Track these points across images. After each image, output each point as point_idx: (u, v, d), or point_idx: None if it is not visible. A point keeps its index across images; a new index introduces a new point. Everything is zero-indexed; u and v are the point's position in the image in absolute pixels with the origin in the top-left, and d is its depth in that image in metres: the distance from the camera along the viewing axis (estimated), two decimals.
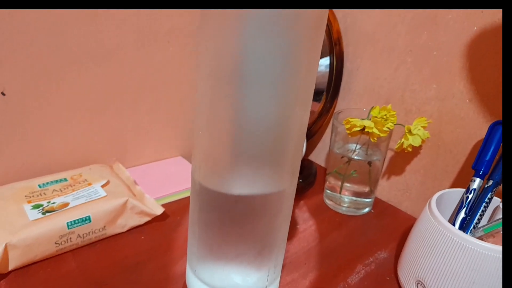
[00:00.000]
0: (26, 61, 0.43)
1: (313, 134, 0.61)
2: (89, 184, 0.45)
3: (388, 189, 0.55)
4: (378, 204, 0.54)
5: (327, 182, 0.54)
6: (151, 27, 0.50)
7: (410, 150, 0.46)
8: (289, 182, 0.31)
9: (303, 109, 0.29)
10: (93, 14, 0.45)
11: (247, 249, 0.31)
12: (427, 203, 0.37)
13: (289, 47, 0.25)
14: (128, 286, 0.36)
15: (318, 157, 0.65)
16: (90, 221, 0.40)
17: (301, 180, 0.57)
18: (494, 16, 0.40)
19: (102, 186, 0.45)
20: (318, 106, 0.59)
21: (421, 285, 0.36)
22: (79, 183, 0.45)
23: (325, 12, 0.27)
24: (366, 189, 0.51)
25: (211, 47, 0.26)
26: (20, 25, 0.41)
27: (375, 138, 0.44)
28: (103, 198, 0.42)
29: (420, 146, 0.49)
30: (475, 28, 0.42)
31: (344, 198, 0.52)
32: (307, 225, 0.48)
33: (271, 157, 0.29)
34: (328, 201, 0.53)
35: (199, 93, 0.28)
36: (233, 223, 0.30)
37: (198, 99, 0.28)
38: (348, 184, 0.51)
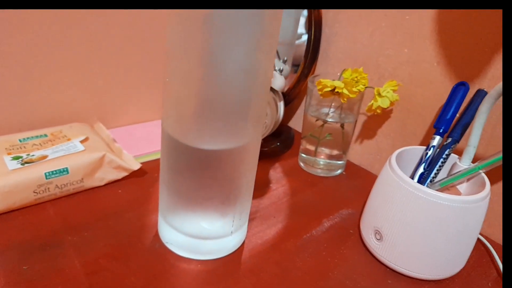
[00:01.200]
0: (8, 18, 0.44)
1: (291, 100, 0.62)
2: (69, 139, 0.46)
3: (361, 153, 0.57)
4: (351, 167, 0.56)
5: (302, 146, 0.56)
6: None
7: (380, 112, 0.47)
8: (253, 135, 0.33)
9: (267, 58, 0.30)
10: None
11: (213, 196, 0.33)
12: (388, 159, 0.39)
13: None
14: (105, 231, 0.38)
15: (297, 123, 0.66)
16: (67, 173, 0.42)
17: (278, 143, 0.59)
18: None
19: (81, 142, 0.46)
20: (297, 72, 0.60)
21: (378, 233, 0.38)
22: (59, 138, 0.47)
23: None
24: (339, 151, 0.53)
25: None
26: None
27: (345, 99, 0.46)
28: (81, 152, 0.44)
29: (390, 110, 0.51)
30: None
31: (318, 161, 0.54)
32: (280, 184, 0.50)
33: (235, 108, 0.30)
34: (302, 164, 0.55)
35: (168, 40, 0.29)
36: (199, 171, 0.32)
37: (168, 46, 0.30)
38: (322, 148, 0.53)
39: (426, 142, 0.48)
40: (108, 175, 0.45)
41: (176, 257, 0.36)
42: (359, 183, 0.53)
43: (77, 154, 0.44)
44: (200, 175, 0.32)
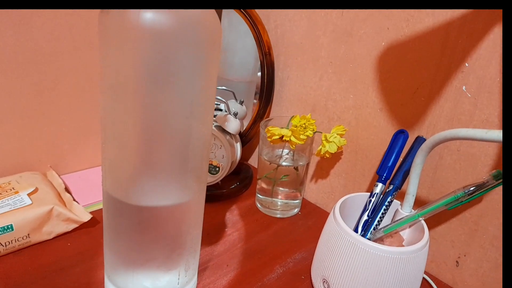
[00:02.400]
0: None
1: (249, 139, 0.63)
2: (16, 192, 0.45)
3: (316, 192, 0.58)
4: (307, 205, 0.57)
5: (258, 186, 0.56)
6: (87, 32, 0.51)
7: (329, 156, 0.49)
8: (196, 192, 0.33)
9: (201, 122, 0.31)
10: (29, 16, 0.46)
11: (155, 255, 0.33)
12: (332, 209, 0.40)
13: (188, 61, 0.27)
14: None
15: (257, 161, 0.67)
16: (12, 230, 0.41)
17: (237, 183, 0.59)
18: (398, 33, 0.43)
19: (29, 194, 0.45)
20: (253, 112, 0.61)
21: (326, 283, 0.39)
22: (6, 191, 0.46)
23: (218, 32, 0.29)
24: (295, 191, 0.54)
25: (112, 61, 0.27)
26: None
27: (294, 146, 0.47)
28: (28, 206, 0.43)
29: (341, 152, 0.53)
30: (383, 43, 0.45)
31: (276, 202, 0.55)
32: (235, 228, 0.51)
33: (174, 168, 0.31)
34: (259, 205, 0.56)
35: (102, 103, 0.30)
36: (140, 231, 0.32)
37: (102, 110, 0.30)
38: (279, 188, 0.54)
39: (373, 183, 0.50)
40: (56, 228, 0.44)
41: None
42: (314, 222, 0.54)
43: (24, 208, 0.43)
44: (141, 236, 0.32)
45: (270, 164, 0.52)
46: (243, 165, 0.65)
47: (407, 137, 0.43)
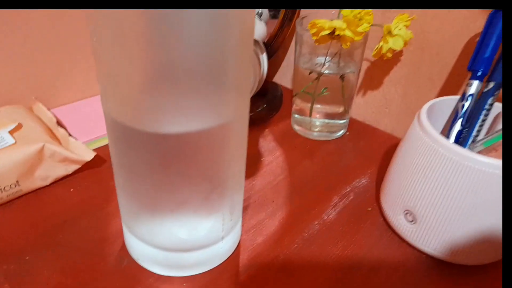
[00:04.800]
0: None
1: (275, 51, 0.52)
2: None
3: (364, 107, 0.47)
4: (354, 124, 0.47)
5: (295, 105, 0.46)
6: None
7: (390, 56, 0.37)
8: (238, 109, 0.23)
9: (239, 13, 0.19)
10: None
11: (189, 196, 0.24)
12: (415, 117, 0.30)
13: None
14: (53, 251, 0.29)
15: (284, 78, 0.56)
16: None
17: (265, 105, 0.49)
18: None
19: (11, 132, 0.35)
20: (278, 15, 0.49)
21: (410, 214, 0.30)
22: None
23: None
24: (340, 109, 0.44)
25: None
26: None
27: (348, 44, 0.36)
28: (11, 146, 0.33)
29: (400, 51, 0.41)
30: None
31: (314, 122, 0.45)
32: (273, 157, 0.41)
33: (203, 79, 0.20)
34: (296, 127, 0.46)
35: None
36: (165, 166, 0.22)
37: None
38: (318, 105, 0.43)
39: (447, 88, 0.39)
40: (53, 171, 0.35)
41: (153, 277, 0.27)
42: (366, 144, 0.44)
43: (6, 150, 0.33)
44: (166, 174, 0.22)
45: (309, 74, 0.41)
46: (270, 83, 0.54)
47: None
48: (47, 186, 0.35)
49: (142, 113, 0.21)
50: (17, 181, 0.33)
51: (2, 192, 0.32)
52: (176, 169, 0.22)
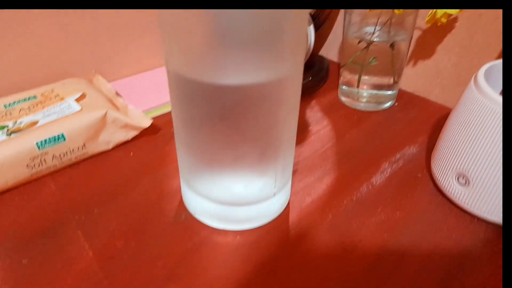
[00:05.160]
0: None
1: (321, 23, 0.51)
2: (62, 99, 0.38)
3: (414, 77, 0.47)
4: (402, 96, 0.47)
5: (342, 77, 0.46)
6: None
7: (445, 21, 0.36)
8: (292, 65, 0.24)
9: None
10: None
11: (246, 151, 0.25)
12: (472, 79, 0.29)
13: None
14: (118, 205, 0.31)
15: (330, 51, 0.56)
16: (64, 140, 0.34)
17: (311, 78, 0.49)
18: None
19: (77, 100, 0.38)
20: None
21: (463, 178, 0.29)
22: (50, 99, 0.39)
23: None
24: (388, 79, 0.43)
25: None
26: None
27: (401, 9, 0.35)
28: (78, 112, 0.36)
29: (455, 17, 0.40)
30: None
31: (362, 93, 0.44)
32: (321, 126, 0.42)
33: (263, 32, 0.21)
34: (343, 98, 0.46)
35: None
36: (224, 119, 0.24)
37: None
38: (366, 77, 0.43)
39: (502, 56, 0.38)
40: (114, 136, 0.37)
41: (208, 229, 0.29)
42: (415, 114, 0.43)
43: (74, 115, 0.36)
44: (225, 126, 0.24)
45: (358, 43, 0.41)
46: (316, 56, 0.54)
47: None
48: (109, 150, 0.38)
49: (204, 65, 0.22)
50: (84, 144, 0.36)
51: (71, 153, 0.35)
52: (234, 122, 0.24)
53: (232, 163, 0.25)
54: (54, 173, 0.35)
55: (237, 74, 0.22)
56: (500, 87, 0.32)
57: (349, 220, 0.30)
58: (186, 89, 0.23)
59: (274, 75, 0.23)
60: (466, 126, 0.28)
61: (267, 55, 0.22)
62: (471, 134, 0.28)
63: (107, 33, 0.46)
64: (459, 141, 0.29)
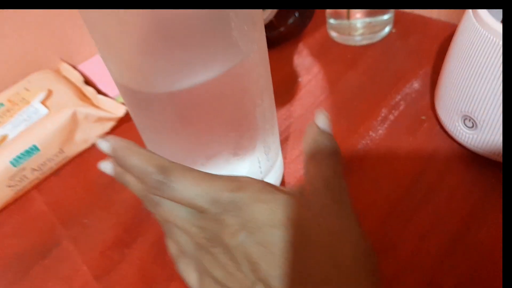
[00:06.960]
0: None
1: None
2: (28, 102, 0.36)
3: None
4: (400, 18, 0.41)
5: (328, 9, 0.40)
6: None
7: None
8: (248, 46, 0.20)
9: None
10: None
11: (217, 149, 0.22)
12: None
13: None
14: (107, 210, 0.30)
15: None
16: (38, 150, 0.32)
17: (296, 15, 0.44)
18: None
19: (43, 102, 0.35)
20: None
21: (469, 120, 0.26)
22: (17, 104, 0.36)
23: None
24: None
25: None
26: None
27: None
28: (46, 117, 0.33)
29: None
30: None
31: (354, 24, 0.39)
32: (312, 75, 0.38)
33: (206, 27, 0.17)
34: (333, 34, 0.41)
35: None
36: (186, 124, 0.21)
37: None
38: None
39: None
40: (90, 132, 0.35)
41: None
42: (417, 40, 0.38)
43: (42, 121, 0.33)
44: (188, 130, 0.21)
45: None
46: None
47: None
48: (89, 148, 0.36)
49: (147, 75, 0.19)
50: (60, 149, 0.33)
51: (50, 161, 0.33)
52: (197, 124, 0.21)
53: (204, 164, 0.23)
54: (39, 185, 0.33)
55: (182, 77, 0.18)
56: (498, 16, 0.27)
57: (351, 178, 0.28)
58: (135, 99, 0.20)
59: (229, 65, 0.19)
60: (466, 62, 0.24)
61: (212, 49, 0.18)
62: (472, 71, 0.24)
63: (65, 14, 0.41)
64: (461, 80, 0.25)
